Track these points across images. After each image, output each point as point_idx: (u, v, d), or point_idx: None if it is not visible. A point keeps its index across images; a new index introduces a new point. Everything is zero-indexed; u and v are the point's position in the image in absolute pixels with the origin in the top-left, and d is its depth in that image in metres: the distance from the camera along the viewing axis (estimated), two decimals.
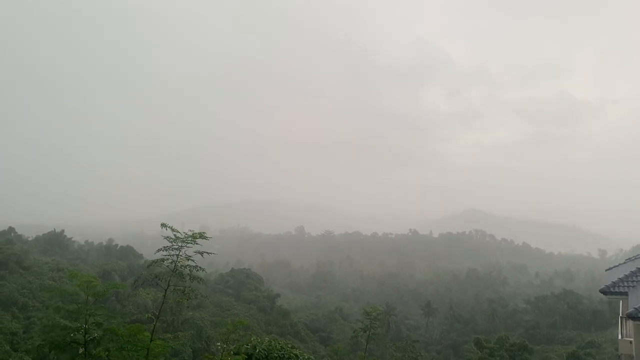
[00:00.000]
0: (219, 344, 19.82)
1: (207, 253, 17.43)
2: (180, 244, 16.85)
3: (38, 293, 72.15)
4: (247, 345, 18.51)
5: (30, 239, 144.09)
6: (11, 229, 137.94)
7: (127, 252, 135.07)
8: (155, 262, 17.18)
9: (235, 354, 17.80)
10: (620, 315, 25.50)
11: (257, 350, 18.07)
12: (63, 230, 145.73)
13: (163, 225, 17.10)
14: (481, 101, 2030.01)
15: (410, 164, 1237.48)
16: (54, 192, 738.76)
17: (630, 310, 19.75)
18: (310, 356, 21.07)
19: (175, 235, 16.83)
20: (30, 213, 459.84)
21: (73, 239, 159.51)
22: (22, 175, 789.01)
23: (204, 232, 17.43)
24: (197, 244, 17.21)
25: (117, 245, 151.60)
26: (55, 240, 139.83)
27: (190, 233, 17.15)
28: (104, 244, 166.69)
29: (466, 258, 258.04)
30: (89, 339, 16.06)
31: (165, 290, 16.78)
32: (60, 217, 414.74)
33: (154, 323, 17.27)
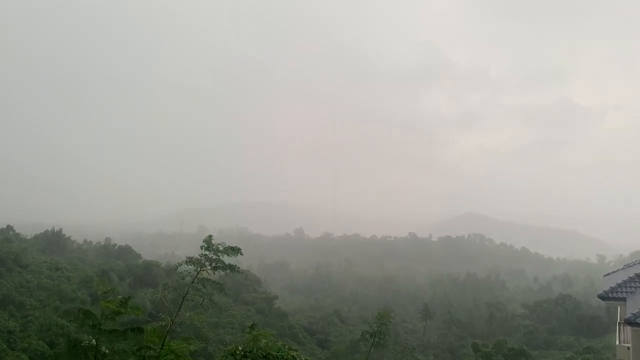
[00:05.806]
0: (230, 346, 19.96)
1: (235, 270, 17.09)
2: (209, 256, 16.53)
3: (35, 292, 72.06)
4: (241, 346, 18.49)
5: (28, 237, 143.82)
6: (9, 228, 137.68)
7: (126, 251, 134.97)
8: (177, 269, 17.08)
9: (231, 354, 17.77)
10: (618, 321, 25.49)
11: (255, 350, 18.04)
12: (61, 229, 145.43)
13: (203, 244, 16.81)
14: (482, 105, 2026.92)
15: (411, 166, 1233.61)
16: (53, 192, 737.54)
17: (628, 315, 19.74)
18: (308, 358, 21.02)
19: (208, 250, 16.53)
20: (29, 212, 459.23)
21: (72, 238, 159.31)
22: (22, 174, 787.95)
23: (238, 248, 17.11)
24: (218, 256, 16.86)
25: (115, 244, 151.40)
26: (53, 240, 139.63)
27: (221, 248, 17.07)
28: (102, 243, 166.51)
29: (465, 262, 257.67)
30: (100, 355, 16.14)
31: (182, 301, 16.70)
32: (59, 216, 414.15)
33: (168, 327, 17.27)
